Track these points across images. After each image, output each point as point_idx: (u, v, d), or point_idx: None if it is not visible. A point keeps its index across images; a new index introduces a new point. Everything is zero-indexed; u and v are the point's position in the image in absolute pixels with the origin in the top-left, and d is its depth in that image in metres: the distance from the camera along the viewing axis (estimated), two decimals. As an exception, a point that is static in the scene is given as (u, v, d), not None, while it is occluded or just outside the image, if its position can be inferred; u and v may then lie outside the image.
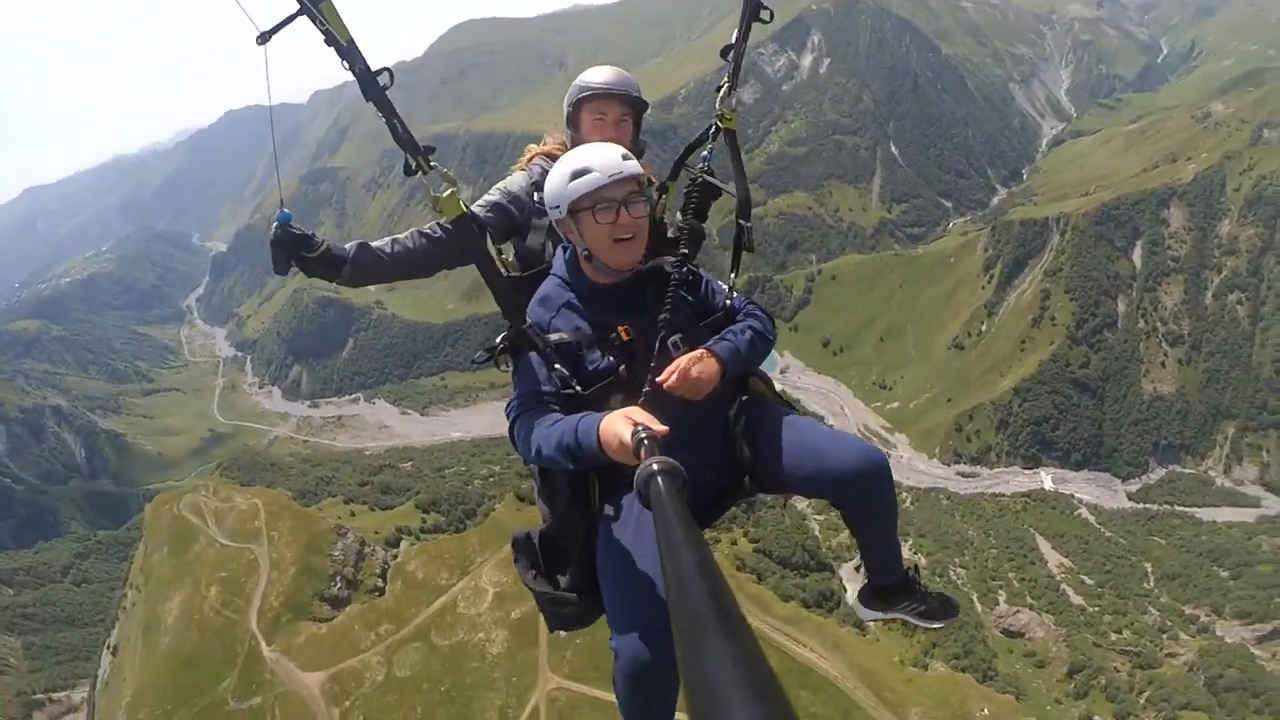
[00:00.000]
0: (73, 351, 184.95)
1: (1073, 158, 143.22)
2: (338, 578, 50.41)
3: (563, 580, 3.07)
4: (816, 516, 76.17)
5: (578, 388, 2.85)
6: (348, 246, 3.28)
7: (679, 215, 3.41)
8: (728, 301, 3.32)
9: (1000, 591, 67.08)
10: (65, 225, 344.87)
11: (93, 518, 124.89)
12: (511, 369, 2.96)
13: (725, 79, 3.50)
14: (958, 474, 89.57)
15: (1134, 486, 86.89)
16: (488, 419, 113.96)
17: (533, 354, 2.90)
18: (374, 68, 2.82)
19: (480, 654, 41.54)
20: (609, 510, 2.92)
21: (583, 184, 2.79)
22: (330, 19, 2.66)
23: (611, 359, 2.89)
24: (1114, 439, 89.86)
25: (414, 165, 2.92)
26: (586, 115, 3.61)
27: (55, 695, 74.99)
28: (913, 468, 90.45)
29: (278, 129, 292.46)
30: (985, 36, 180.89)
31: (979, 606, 64.08)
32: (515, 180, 3.66)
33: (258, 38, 2.64)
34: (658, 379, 2.82)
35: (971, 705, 41.46)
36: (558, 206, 2.86)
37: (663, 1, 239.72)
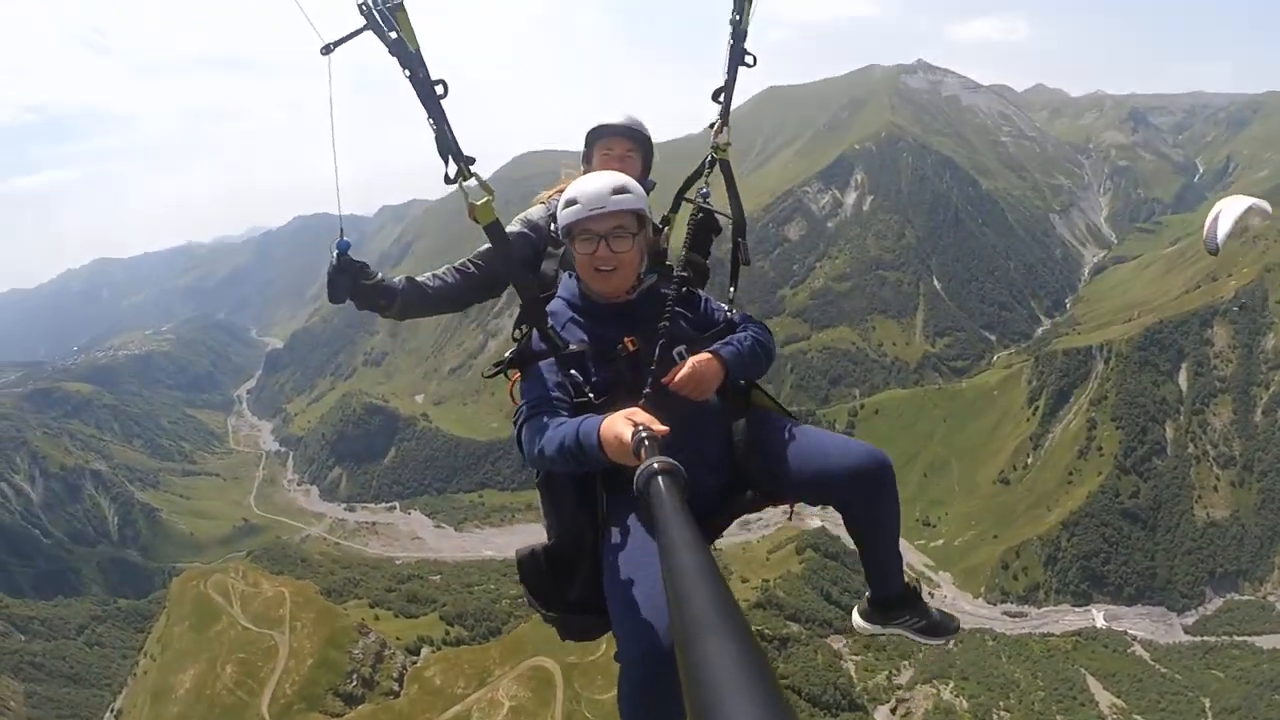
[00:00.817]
0: (120, 421, 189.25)
1: (1115, 284, 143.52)
2: (354, 675, 49.40)
3: (570, 593, 3.08)
4: (853, 657, 72.92)
5: (590, 395, 2.90)
6: (397, 280, 3.44)
7: (682, 250, 3.57)
8: (728, 316, 3.41)
9: None
10: (129, 299, 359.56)
11: (114, 585, 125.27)
12: (521, 379, 3.02)
13: (718, 117, 3.74)
14: (1004, 614, 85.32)
15: (1190, 619, 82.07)
16: (521, 539, 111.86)
17: (542, 363, 2.95)
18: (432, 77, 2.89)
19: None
20: (615, 519, 2.91)
21: (568, 213, 2.95)
22: (403, 27, 2.70)
23: (618, 369, 2.96)
24: (1167, 570, 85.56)
25: (456, 173, 2.96)
26: (597, 151, 3.89)
27: None
28: (957, 608, 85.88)
29: (346, 235, 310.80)
30: (1024, 169, 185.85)
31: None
32: (535, 211, 3.88)
33: (322, 49, 2.70)
34: (664, 378, 2.91)
35: None
36: (559, 231, 3.05)
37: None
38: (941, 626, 3.44)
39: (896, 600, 3.42)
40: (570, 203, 2.93)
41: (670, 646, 2.36)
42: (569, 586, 3.07)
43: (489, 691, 45.12)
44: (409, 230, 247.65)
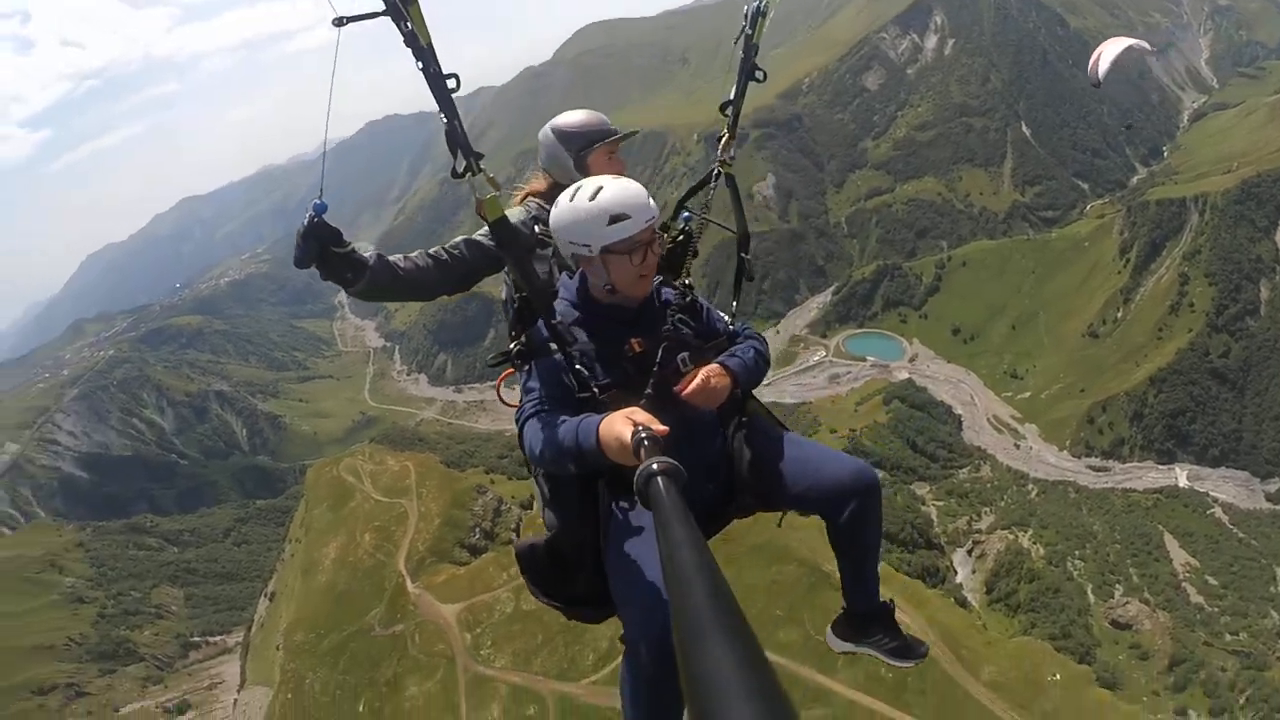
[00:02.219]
0: (233, 343, 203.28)
1: (1214, 132, 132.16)
2: (477, 529, 55.93)
3: (573, 586, 3.13)
4: (935, 502, 75.51)
5: (596, 391, 2.91)
6: (369, 254, 3.29)
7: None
8: (729, 327, 3.40)
9: (1117, 586, 64.54)
10: (220, 231, 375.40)
11: (250, 489, 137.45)
12: (525, 375, 3.05)
13: (724, 130, 3.71)
14: (1088, 468, 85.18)
15: (1273, 486, 79.82)
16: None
17: (545, 360, 2.96)
18: (445, 71, 2.85)
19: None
20: (619, 510, 2.95)
21: (621, 229, 2.87)
22: (415, 21, 2.69)
23: (624, 370, 2.98)
24: (1254, 434, 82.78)
25: (464, 168, 2.99)
26: (599, 153, 3.84)
27: (212, 639, 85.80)
28: (1042, 460, 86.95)
29: (416, 137, 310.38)
30: (1117, 7, 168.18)
31: (1092, 598, 62.27)
32: (514, 214, 3.71)
33: (334, 20, 2.66)
34: (675, 386, 2.94)
35: (1044, 670, 41.10)
36: (587, 245, 2.91)
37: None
38: (911, 649, 3.43)
39: (872, 616, 3.43)
40: (620, 217, 2.86)
41: (667, 639, 2.43)
42: (571, 580, 3.11)
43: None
44: (479, 120, 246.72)
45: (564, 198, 2.99)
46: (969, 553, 68.08)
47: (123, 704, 68.74)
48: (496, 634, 43.63)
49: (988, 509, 75.30)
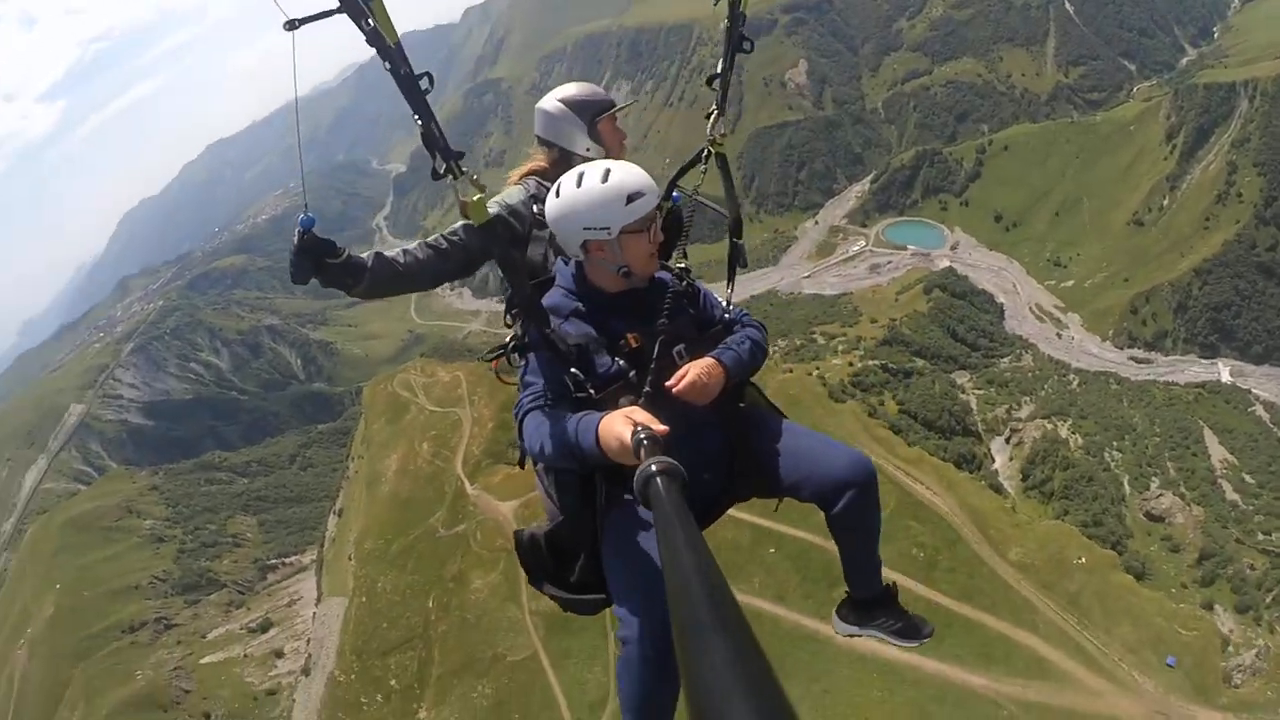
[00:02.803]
0: (278, 278, 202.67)
1: (1269, 14, 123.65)
2: (528, 429, 59.09)
3: (570, 577, 3.14)
4: (975, 391, 75.89)
5: (591, 391, 2.89)
6: (365, 256, 3.24)
7: None
8: (726, 315, 3.37)
9: (1154, 479, 64.74)
10: (250, 171, 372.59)
11: (310, 415, 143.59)
12: (521, 369, 3.02)
13: (714, 106, 3.53)
14: (1130, 359, 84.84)
15: None
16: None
17: (543, 354, 2.93)
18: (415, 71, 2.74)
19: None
20: (616, 506, 2.96)
21: (639, 207, 2.87)
22: (379, 17, 2.54)
23: (621, 364, 2.95)
24: None
25: (444, 169, 2.88)
26: (607, 124, 3.81)
27: (287, 559, 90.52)
28: (1084, 350, 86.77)
29: (437, 51, 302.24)
30: None
31: (1128, 489, 62.90)
32: (513, 194, 3.68)
33: (285, 24, 2.52)
34: (667, 383, 2.89)
35: (1070, 553, 42.31)
36: (607, 228, 2.87)
37: None
38: (916, 629, 3.45)
39: (875, 601, 3.46)
40: (636, 195, 2.87)
41: (665, 632, 2.51)
42: (569, 571, 3.13)
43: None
44: (498, 27, 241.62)
45: (566, 185, 2.93)
46: (1006, 440, 68.91)
47: (209, 630, 73.87)
48: (551, 526, 46.94)
49: (1027, 398, 75.67)
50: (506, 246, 3.10)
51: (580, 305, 3.03)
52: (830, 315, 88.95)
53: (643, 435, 2.18)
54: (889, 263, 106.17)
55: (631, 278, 3.00)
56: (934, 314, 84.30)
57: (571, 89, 3.83)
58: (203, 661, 66.21)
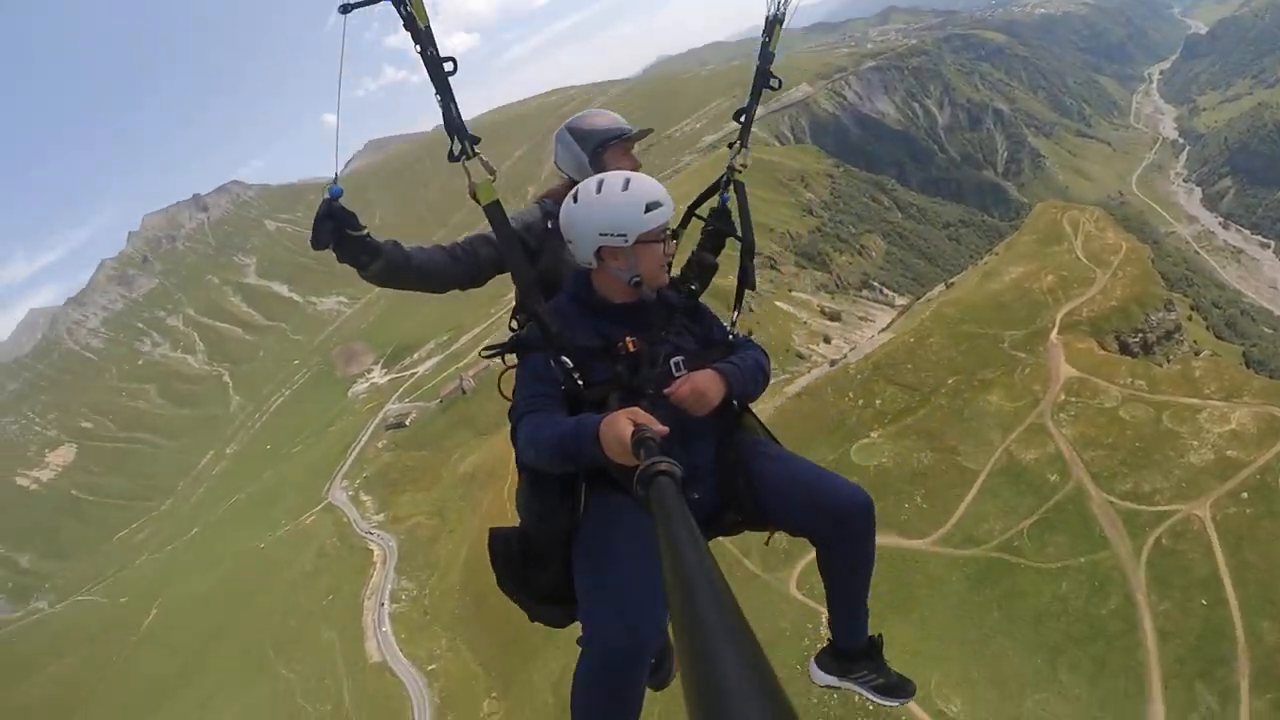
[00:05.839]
0: (1028, 72, 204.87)
1: None
2: (1139, 333, 56.01)
3: (540, 583, 3.08)
4: None
5: (587, 394, 2.90)
6: (383, 240, 3.27)
7: (694, 250, 3.56)
8: (730, 336, 3.36)
9: None
10: None
11: (985, 203, 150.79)
12: (519, 368, 3.04)
13: (737, 138, 3.65)
14: None
15: None
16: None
17: (541, 355, 2.95)
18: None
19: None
20: (593, 510, 2.91)
21: (658, 216, 2.93)
22: (415, 4, 2.75)
23: (618, 368, 2.95)
24: None
25: (459, 150, 2.99)
26: (616, 153, 3.75)
27: (885, 290, 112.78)
28: None
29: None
30: None
31: None
32: (525, 211, 3.66)
33: (340, 7, 2.70)
34: (666, 388, 2.87)
35: None
36: (624, 235, 2.92)
37: None
38: (899, 688, 3.36)
39: (858, 653, 3.37)
40: (655, 204, 2.93)
41: (645, 639, 2.50)
42: (540, 576, 3.07)
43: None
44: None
45: (586, 192, 2.99)
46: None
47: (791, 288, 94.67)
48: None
49: None
50: (510, 231, 3.17)
51: (584, 311, 3.06)
52: None
53: (644, 435, 2.19)
54: None
55: (641, 288, 3.05)
56: None
57: (584, 116, 3.88)
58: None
